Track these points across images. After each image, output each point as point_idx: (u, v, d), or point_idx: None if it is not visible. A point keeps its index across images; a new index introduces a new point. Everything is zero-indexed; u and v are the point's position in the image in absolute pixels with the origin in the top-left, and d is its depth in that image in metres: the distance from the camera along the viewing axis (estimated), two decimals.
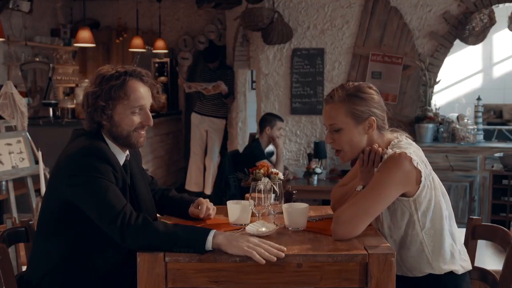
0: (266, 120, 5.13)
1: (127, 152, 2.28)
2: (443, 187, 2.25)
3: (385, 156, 2.15)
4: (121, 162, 2.22)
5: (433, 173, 2.22)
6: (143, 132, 2.23)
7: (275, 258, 1.90)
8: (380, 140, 2.24)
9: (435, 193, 2.17)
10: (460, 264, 2.20)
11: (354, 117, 2.18)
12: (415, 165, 2.09)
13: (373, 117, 2.20)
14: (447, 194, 2.25)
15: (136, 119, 2.19)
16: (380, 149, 2.22)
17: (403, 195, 2.13)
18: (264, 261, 1.90)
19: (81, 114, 6.34)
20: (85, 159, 2.08)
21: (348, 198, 2.26)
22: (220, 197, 5.05)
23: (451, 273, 2.18)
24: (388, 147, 2.20)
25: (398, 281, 2.14)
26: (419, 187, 2.12)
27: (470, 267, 2.25)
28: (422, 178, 2.11)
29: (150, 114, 2.23)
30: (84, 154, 2.09)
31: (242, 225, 2.27)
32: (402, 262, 2.21)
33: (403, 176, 2.09)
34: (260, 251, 1.91)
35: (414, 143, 2.27)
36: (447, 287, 2.19)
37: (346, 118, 2.18)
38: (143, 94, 2.19)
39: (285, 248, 1.94)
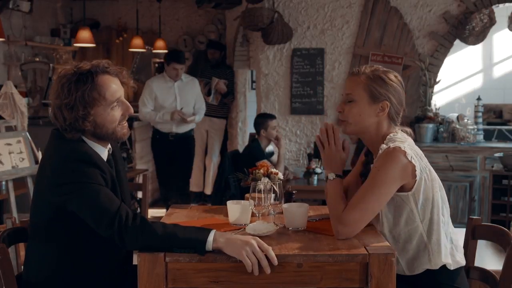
0: (258, 124, 5.11)
1: (109, 145, 2.25)
2: (439, 180, 2.26)
3: (380, 151, 2.17)
4: (105, 158, 2.19)
5: (430, 166, 2.23)
6: (125, 123, 2.20)
7: (258, 272, 1.90)
8: (386, 130, 2.25)
9: (432, 185, 2.19)
10: (455, 258, 2.21)
11: (370, 95, 2.23)
12: (409, 158, 2.12)
13: (387, 102, 2.22)
14: (443, 188, 2.26)
15: (117, 113, 2.15)
16: (330, 124, 2.27)
17: (401, 190, 2.15)
18: (251, 270, 1.91)
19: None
20: (71, 165, 2.04)
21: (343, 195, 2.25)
22: (220, 197, 5.05)
23: (445, 269, 2.19)
24: (384, 141, 2.21)
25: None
26: (416, 180, 2.14)
27: (463, 262, 2.25)
28: (417, 172, 2.13)
29: (128, 102, 2.20)
30: (69, 161, 2.05)
31: (242, 225, 2.27)
32: (401, 258, 2.22)
33: (400, 170, 2.11)
34: (253, 260, 1.90)
35: (409, 138, 2.28)
36: (442, 283, 2.19)
37: (363, 92, 2.23)
38: (115, 87, 2.14)
39: (276, 261, 1.92)
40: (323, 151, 2.28)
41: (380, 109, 2.23)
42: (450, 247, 2.22)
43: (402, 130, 2.29)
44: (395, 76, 2.29)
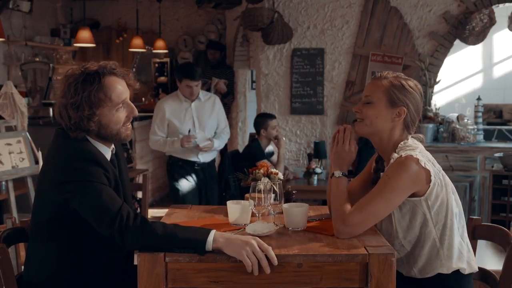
0: (258, 123, 5.11)
1: (112, 145, 2.26)
2: (452, 185, 2.26)
3: (392, 161, 2.17)
4: (108, 158, 2.20)
5: (443, 171, 2.23)
6: (129, 125, 2.22)
7: (257, 272, 1.91)
8: (399, 137, 2.25)
9: (446, 190, 2.18)
10: (468, 262, 2.21)
11: (389, 99, 2.23)
12: (423, 165, 2.12)
13: (405, 109, 2.23)
14: (456, 192, 2.26)
15: (122, 114, 2.17)
16: (349, 126, 2.29)
17: (414, 195, 2.15)
18: (251, 270, 1.91)
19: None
20: (75, 164, 2.05)
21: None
22: (220, 197, 5.04)
23: (457, 273, 2.18)
24: (396, 150, 2.21)
25: (404, 283, 2.15)
26: (430, 185, 2.13)
27: (476, 268, 2.24)
28: (432, 177, 2.13)
29: (133, 104, 2.21)
30: (73, 159, 2.06)
31: (242, 225, 2.27)
32: (414, 263, 2.21)
33: (412, 179, 2.11)
34: (253, 260, 1.91)
35: (420, 144, 2.27)
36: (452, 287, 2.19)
37: (382, 95, 2.24)
38: (121, 88, 2.16)
39: (276, 261, 1.93)
40: (335, 148, 2.29)
41: (396, 115, 2.23)
42: (466, 251, 2.21)
43: (412, 136, 2.29)
44: (416, 85, 2.29)
